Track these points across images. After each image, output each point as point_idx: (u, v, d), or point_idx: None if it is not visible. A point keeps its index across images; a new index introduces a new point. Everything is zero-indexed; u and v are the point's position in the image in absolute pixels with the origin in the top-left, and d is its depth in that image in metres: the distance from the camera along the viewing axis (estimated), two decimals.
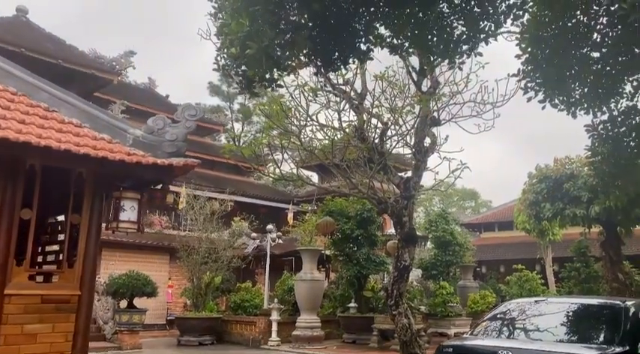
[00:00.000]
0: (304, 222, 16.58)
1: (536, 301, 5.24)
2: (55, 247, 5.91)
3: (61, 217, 5.95)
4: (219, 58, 6.00)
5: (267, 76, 6.27)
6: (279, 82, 6.54)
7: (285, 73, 6.77)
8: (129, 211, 5.52)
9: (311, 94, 11.02)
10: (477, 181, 74.04)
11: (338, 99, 11.08)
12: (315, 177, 32.27)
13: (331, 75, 11.36)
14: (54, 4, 61.59)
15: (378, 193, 10.76)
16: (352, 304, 15.51)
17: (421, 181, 10.96)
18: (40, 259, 6.11)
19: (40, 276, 5.63)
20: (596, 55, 6.91)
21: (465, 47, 6.80)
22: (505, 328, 4.75)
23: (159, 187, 5.93)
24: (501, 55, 9.30)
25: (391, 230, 18.29)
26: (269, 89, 7.54)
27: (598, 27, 6.70)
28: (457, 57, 7.15)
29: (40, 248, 6.11)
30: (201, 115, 5.96)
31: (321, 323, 14.28)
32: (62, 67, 16.84)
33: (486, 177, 71.72)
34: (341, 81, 10.83)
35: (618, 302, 4.77)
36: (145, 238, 19.23)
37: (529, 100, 7.53)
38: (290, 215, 23.79)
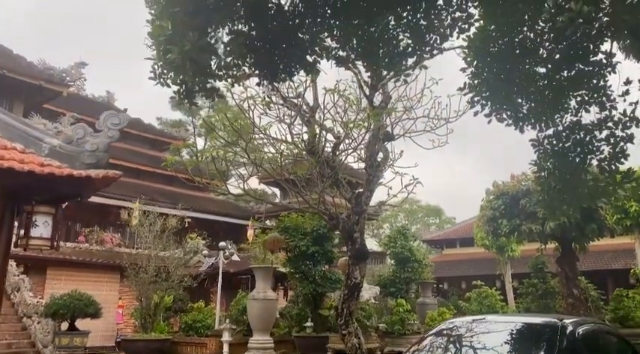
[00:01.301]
0: (257, 239, 16.17)
1: (473, 321, 5.00)
2: None
3: None
4: (155, 67, 5.67)
5: (208, 85, 6.04)
6: (220, 93, 6.28)
7: (227, 83, 6.50)
8: (41, 227, 5.09)
9: (261, 106, 10.75)
10: (443, 198, 75.02)
11: (290, 112, 10.85)
12: (277, 192, 31.98)
13: (283, 88, 11.20)
14: (14, 16, 60.24)
15: (330, 209, 10.50)
16: (309, 324, 15.10)
17: (373, 196, 10.76)
18: None
19: None
20: (542, 70, 6.90)
21: (410, 60, 6.70)
22: (438, 350, 4.50)
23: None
24: (455, 71, 9.26)
25: None
26: (209, 100, 7.23)
27: (544, 43, 6.69)
28: (403, 69, 7.01)
29: None
30: (125, 123, 5.59)
31: (274, 344, 13.79)
32: (7, 78, 16.15)
33: (452, 193, 72.70)
34: (292, 93, 10.56)
35: (555, 321, 4.57)
36: (94, 255, 18.51)
37: (475, 114, 7.45)
38: (250, 232, 23.28)
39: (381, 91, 11.41)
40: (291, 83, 10.90)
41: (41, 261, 16.90)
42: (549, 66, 6.86)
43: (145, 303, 14.59)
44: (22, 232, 5.12)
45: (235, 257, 20.23)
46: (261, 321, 12.98)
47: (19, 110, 17.31)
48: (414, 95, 11.70)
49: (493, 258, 25.68)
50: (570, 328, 4.48)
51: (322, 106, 10.67)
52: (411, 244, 18.83)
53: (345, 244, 10.82)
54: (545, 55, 6.77)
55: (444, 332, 4.96)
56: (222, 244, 16.18)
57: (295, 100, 10.84)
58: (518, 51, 6.70)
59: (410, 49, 6.43)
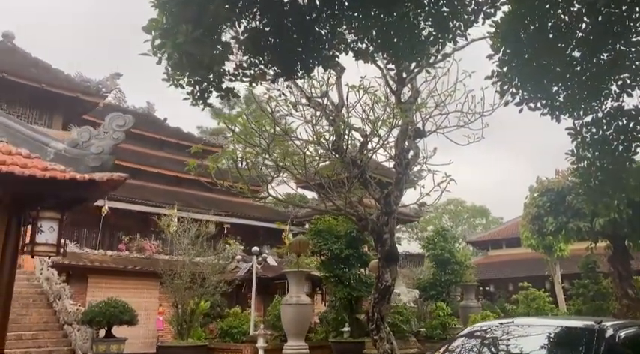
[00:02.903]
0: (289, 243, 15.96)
1: (501, 324, 4.57)
2: None
3: None
4: (168, 68, 5.53)
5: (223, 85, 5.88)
6: (235, 93, 6.08)
7: (244, 83, 6.33)
8: (47, 233, 5.00)
9: (286, 107, 10.54)
10: (491, 198, 72.96)
11: (315, 112, 10.57)
12: (314, 196, 31.73)
13: (306, 87, 10.93)
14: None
15: (359, 210, 10.14)
16: (346, 329, 14.76)
17: (405, 196, 10.34)
18: None
19: None
20: (578, 54, 6.40)
21: (432, 49, 6.33)
22: None
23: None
24: (489, 62, 8.79)
25: None
26: (225, 100, 7.06)
27: (581, 25, 6.20)
28: (425, 59, 6.63)
29: None
30: (130, 125, 5.46)
31: (312, 349, 13.54)
32: (45, 91, 16.62)
33: (500, 193, 70.66)
34: (315, 93, 10.29)
35: (592, 324, 4.09)
36: (134, 263, 18.76)
37: (506, 103, 7.02)
38: (288, 236, 23.17)
39: (409, 85, 11.00)
40: (316, 82, 10.68)
41: (82, 269, 17.26)
42: (586, 49, 6.37)
43: (180, 309, 14.60)
44: (27, 238, 5.03)
45: (272, 262, 20.14)
46: (295, 326, 12.75)
47: (58, 122, 17.82)
48: (445, 89, 11.24)
49: (541, 258, 24.56)
50: (609, 332, 4.01)
51: (347, 104, 10.36)
52: (451, 245, 18.16)
53: (375, 246, 10.44)
54: (581, 38, 6.28)
55: (468, 338, 4.56)
56: (254, 249, 16.06)
57: (320, 100, 10.58)
58: (551, 35, 6.24)
59: (432, 37, 6.08)
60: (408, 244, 49.27)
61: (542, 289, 21.34)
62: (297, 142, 10.38)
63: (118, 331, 13.51)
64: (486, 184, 71.17)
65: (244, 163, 10.47)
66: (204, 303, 15.46)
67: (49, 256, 5.45)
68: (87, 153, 5.18)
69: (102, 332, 13.17)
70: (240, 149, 11.54)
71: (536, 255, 25.13)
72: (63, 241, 5.08)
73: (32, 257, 5.62)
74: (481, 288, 30.47)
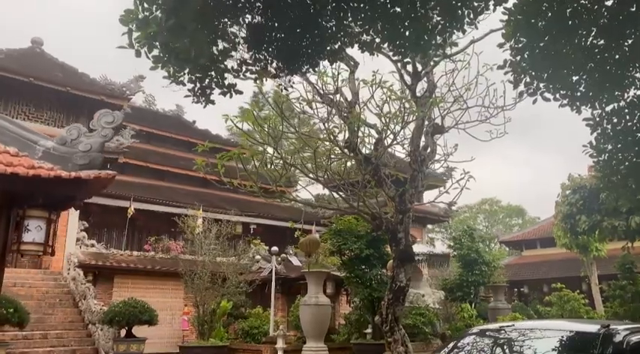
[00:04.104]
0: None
1: (500, 328, 4.23)
2: None
3: None
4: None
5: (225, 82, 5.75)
6: (237, 89, 5.93)
7: (246, 79, 6.20)
8: (34, 232, 4.93)
9: (300, 104, 10.35)
10: (527, 197, 71.09)
11: (328, 109, 10.33)
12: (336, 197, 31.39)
13: (319, 84, 10.69)
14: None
15: (372, 208, 9.86)
16: (368, 330, 14.45)
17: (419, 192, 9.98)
18: None
19: None
20: (599, 42, 6.01)
21: (439, 39, 6.04)
22: None
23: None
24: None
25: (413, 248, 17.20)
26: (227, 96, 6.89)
27: (602, 11, 5.81)
28: (432, 49, 6.34)
29: None
30: (119, 121, 5.34)
31: (334, 351, 13.31)
32: (71, 94, 16.93)
33: (537, 192, 68.80)
34: (323, 89, 10.06)
35: (597, 327, 3.72)
36: (159, 263, 18.91)
37: (520, 94, 6.66)
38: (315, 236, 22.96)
39: (425, 79, 10.66)
40: (330, 79, 10.43)
41: (108, 269, 17.50)
42: (608, 36, 5.97)
43: (201, 309, 14.60)
44: (13, 237, 4.97)
45: (297, 262, 19.98)
46: (314, 327, 12.53)
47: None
48: (467, 83, 10.84)
49: (577, 258, 23.61)
50: (618, 337, 3.63)
51: (359, 101, 10.10)
52: (478, 245, 17.59)
53: (389, 245, 10.14)
54: (603, 24, 5.89)
55: (468, 342, 4.24)
56: (274, 249, 15.93)
57: (332, 97, 10.33)
58: (570, 22, 5.86)
59: (440, 26, 5.79)
60: (442, 245, 48.35)
61: (578, 291, 20.46)
62: (313, 141, 10.18)
63: (143, 331, 13.55)
64: (525, 183, 69.45)
65: (272, 165, 10.26)
66: (226, 303, 15.41)
67: (38, 255, 5.35)
68: (75, 151, 5.11)
69: (123, 332, 13.24)
70: (269, 151, 11.23)
71: (571, 255, 24.19)
72: (51, 240, 5.01)
73: (51, 255, 5.51)
74: (515, 289, 29.59)
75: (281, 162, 9.67)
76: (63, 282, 16.17)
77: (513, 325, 4.27)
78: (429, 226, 47.52)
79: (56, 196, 5.03)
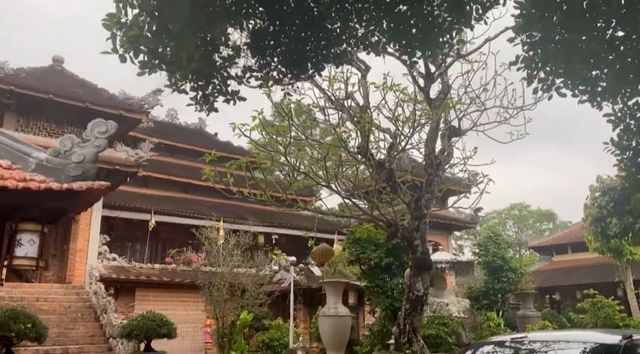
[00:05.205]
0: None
1: (512, 340, 3.89)
2: None
3: None
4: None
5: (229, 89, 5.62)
6: (241, 96, 5.79)
7: (242, 83, 6.03)
8: (26, 246, 4.81)
9: (311, 110, 10.18)
10: (558, 201, 69.37)
11: (340, 114, 10.11)
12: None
13: (332, 89, 10.47)
14: None
15: (387, 215, 9.56)
16: (391, 341, 14.03)
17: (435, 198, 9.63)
18: None
19: None
20: (619, 33, 5.69)
21: (446, 36, 5.80)
22: None
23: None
24: None
25: (435, 256, 16.76)
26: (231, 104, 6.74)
27: (622, 1, 5.49)
28: (439, 48, 6.08)
29: None
30: (112, 131, 5.21)
31: None
32: (90, 110, 17.07)
33: (569, 195, 67.07)
34: (333, 94, 9.84)
35: (618, 339, 3.37)
36: (181, 276, 18.87)
37: (535, 91, 6.34)
38: (335, 246, 22.68)
39: (439, 80, 10.35)
40: (342, 84, 10.22)
41: (130, 283, 17.53)
42: (629, 26, 5.64)
43: (220, 322, 14.43)
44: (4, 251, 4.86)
45: (318, 272, 19.68)
46: (334, 339, 12.21)
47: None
48: (484, 83, 10.50)
49: (610, 263, 22.70)
50: None
51: (369, 105, 9.85)
52: (506, 251, 17.00)
53: (405, 254, 9.80)
54: (624, 14, 5.55)
55: None
56: (292, 259, 15.70)
57: (343, 102, 10.11)
58: (587, 14, 5.54)
59: (446, 24, 5.55)
60: (470, 252, 47.39)
61: (612, 297, 19.60)
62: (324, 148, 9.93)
63: (165, 344, 13.42)
64: (556, 187, 67.81)
65: (287, 174, 10.03)
66: (246, 315, 15.22)
67: (33, 270, 5.24)
68: (68, 162, 4.99)
69: (142, 346, 13.16)
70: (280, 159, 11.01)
71: (604, 260, 23.30)
72: (44, 254, 4.88)
73: (44, 269, 5.40)
74: (547, 296, 28.64)
75: (290, 170, 9.50)
76: (85, 296, 16.24)
77: (526, 336, 3.92)
78: (457, 233, 46.71)
79: (49, 208, 4.90)
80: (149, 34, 4.26)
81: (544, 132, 66.67)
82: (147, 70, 4.59)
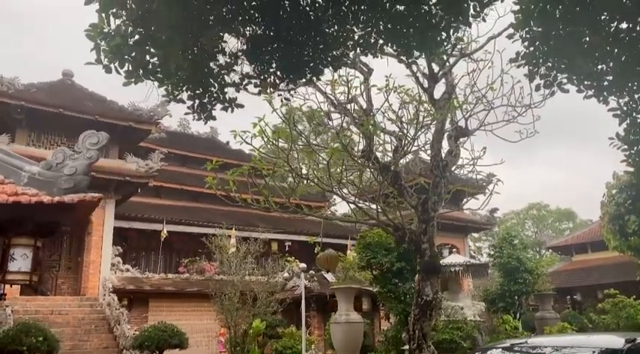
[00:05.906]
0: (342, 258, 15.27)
1: (512, 345, 3.74)
2: None
3: None
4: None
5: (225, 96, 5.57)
6: (239, 103, 5.73)
7: (240, 90, 5.97)
8: (19, 261, 4.77)
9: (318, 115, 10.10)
10: (580, 200, 68.27)
11: (343, 117, 10.00)
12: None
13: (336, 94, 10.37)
14: None
15: (394, 219, 9.39)
16: (406, 347, 13.82)
17: (442, 201, 9.44)
18: None
19: None
20: (624, 26, 5.54)
21: (444, 34, 5.68)
22: None
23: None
24: None
25: (449, 259, 16.49)
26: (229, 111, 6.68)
27: None
28: (438, 46, 5.96)
29: None
30: (104, 142, 5.17)
31: None
32: (100, 122, 17.20)
33: (589, 194, 66.01)
34: (336, 98, 9.73)
35: (621, 342, 3.20)
36: (194, 285, 18.85)
37: (537, 88, 6.19)
38: (349, 252, 22.50)
39: (443, 80, 10.17)
40: (345, 88, 10.11)
41: (143, 293, 17.57)
42: (634, 19, 5.48)
43: (233, 331, 14.36)
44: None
45: (331, 278, 19.53)
46: (346, 346, 12.07)
47: (114, 152, 18.43)
48: (490, 82, 10.30)
49: (631, 262, 22.17)
50: None
51: (372, 108, 9.71)
52: (519, 252, 16.66)
53: (414, 258, 9.62)
54: (628, 6, 5.39)
55: None
56: (302, 265, 15.57)
57: (346, 105, 9.99)
58: (590, 7, 5.38)
59: (444, 22, 5.44)
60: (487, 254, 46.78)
61: (634, 297, 19.13)
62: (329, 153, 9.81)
63: None
64: (577, 185, 66.75)
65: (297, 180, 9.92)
66: (259, 323, 15.12)
67: (28, 284, 5.20)
68: (60, 174, 4.95)
69: None
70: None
71: (625, 258, 22.78)
72: (38, 268, 4.84)
73: (37, 283, 5.37)
74: (568, 297, 28.07)
75: (293, 176, 9.40)
76: (99, 308, 16.30)
77: (526, 342, 3.76)
78: (475, 235, 46.13)
79: (42, 222, 4.86)
80: (132, 44, 4.19)
81: (562, 129, 65.81)
82: (133, 80, 4.54)
